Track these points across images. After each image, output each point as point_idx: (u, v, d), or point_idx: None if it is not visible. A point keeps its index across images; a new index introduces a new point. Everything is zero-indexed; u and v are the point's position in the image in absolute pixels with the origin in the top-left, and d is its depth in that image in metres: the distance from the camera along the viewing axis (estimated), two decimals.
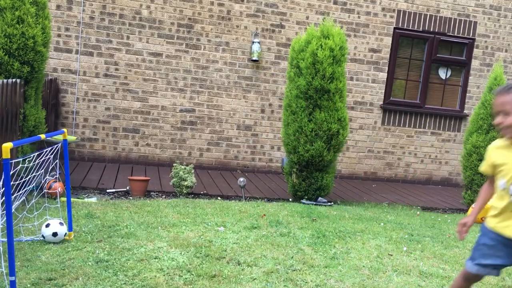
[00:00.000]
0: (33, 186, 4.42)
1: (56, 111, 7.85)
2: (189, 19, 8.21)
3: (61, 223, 3.98)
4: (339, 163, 8.77)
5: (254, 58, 8.31)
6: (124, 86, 8.10)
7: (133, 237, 4.14)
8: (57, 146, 4.16)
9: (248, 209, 5.51)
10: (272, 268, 3.64)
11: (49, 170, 4.64)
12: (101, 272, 3.32)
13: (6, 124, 5.01)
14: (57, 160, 4.27)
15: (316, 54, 6.14)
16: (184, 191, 6.24)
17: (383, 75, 8.92)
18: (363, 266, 3.91)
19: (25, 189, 3.92)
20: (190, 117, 8.38)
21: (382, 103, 8.98)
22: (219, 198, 6.50)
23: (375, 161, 9.09)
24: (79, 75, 7.96)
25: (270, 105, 8.61)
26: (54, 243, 3.90)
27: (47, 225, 3.95)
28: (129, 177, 6.50)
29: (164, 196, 6.34)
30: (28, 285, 3.06)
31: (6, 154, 2.86)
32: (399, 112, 9.08)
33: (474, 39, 9.13)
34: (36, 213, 4.37)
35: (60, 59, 7.88)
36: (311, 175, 6.34)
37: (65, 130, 4.18)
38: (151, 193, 6.39)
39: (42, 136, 3.67)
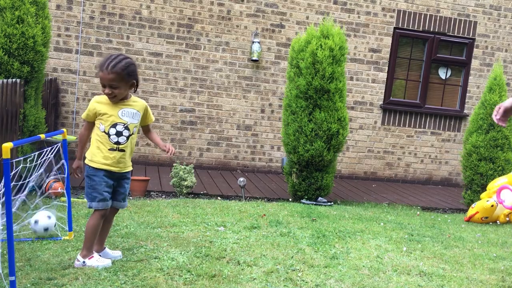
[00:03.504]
0: (33, 186, 4.42)
1: (56, 111, 7.85)
2: (189, 19, 8.21)
3: (49, 217, 4.01)
4: (339, 163, 8.77)
5: (254, 58, 8.31)
6: None
7: (133, 237, 4.14)
8: (57, 146, 4.16)
9: (248, 209, 5.51)
10: (272, 268, 3.64)
11: (49, 170, 4.64)
12: (101, 272, 3.32)
13: (6, 124, 5.01)
14: (56, 160, 4.26)
15: (316, 54, 6.14)
16: (184, 191, 6.24)
17: (383, 75, 8.92)
18: (363, 266, 3.90)
19: (24, 189, 3.92)
20: (190, 117, 8.38)
21: (382, 103, 8.98)
22: (219, 198, 6.50)
23: (375, 161, 9.09)
24: (79, 75, 7.96)
25: (270, 105, 8.61)
26: (49, 240, 3.91)
27: (36, 222, 3.99)
28: None
29: (164, 196, 6.34)
30: (28, 285, 3.06)
31: (6, 154, 2.86)
32: (399, 112, 9.08)
33: (474, 39, 9.13)
34: (36, 211, 4.37)
35: (60, 59, 7.89)
36: (311, 175, 6.34)
37: (64, 130, 4.18)
38: (151, 193, 6.39)
39: (42, 136, 3.67)
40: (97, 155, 3.46)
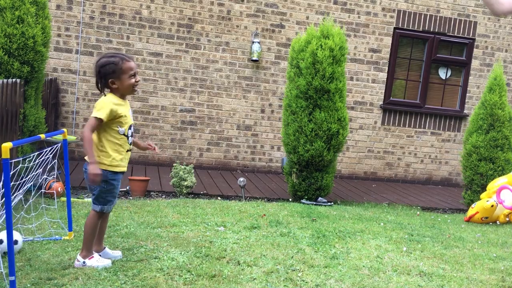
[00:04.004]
0: (33, 186, 4.42)
1: (56, 111, 7.85)
2: (189, 19, 8.21)
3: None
4: (339, 163, 8.77)
5: (254, 58, 8.31)
6: None
7: (133, 237, 4.14)
8: (57, 146, 4.16)
9: (248, 209, 5.51)
10: (272, 268, 3.64)
11: (49, 170, 4.64)
12: (101, 272, 3.32)
13: (6, 124, 5.01)
14: (56, 160, 4.26)
15: (316, 54, 6.14)
16: (184, 191, 6.24)
17: (383, 75, 8.92)
18: (363, 266, 3.90)
19: (24, 189, 3.92)
20: (190, 117, 8.38)
21: (382, 103, 8.98)
22: (219, 198, 6.50)
23: (375, 161, 9.08)
24: (79, 75, 7.96)
25: (270, 105, 8.61)
26: (49, 240, 3.91)
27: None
28: (129, 177, 6.50)
29: (164, 196, 6.34)
30: (28, 285, 3.06)
31: (5, 154, 2.86)
32: (399, 112, 9.08)
33: (474, 39, 9.12)
34: (34, 213, 4.37)
35: (60, 59, 7.88)
36: (311, 175, 6.34)
37: (65, 130, 4.18)
38: (151, 193, 6.39)
39: (42, 136, 3.67)
40: (117, 158, 3.39)
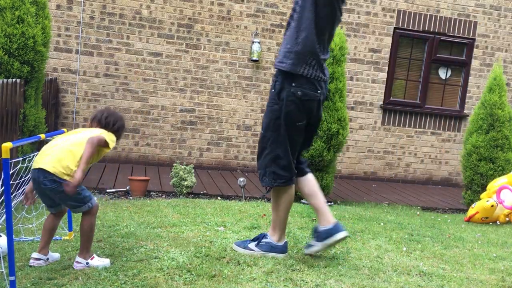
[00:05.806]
0: None
1: (56, 111, 7.85)
2: (189, 19, 8.21)
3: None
4: (339, 163, 8.76)
5: (254, 58, 8.31)
6: (124, 86, 8.10)
7: (133, 237, 4.14)
8: None
9: (248, 209, 5.51)
10: (272, 268, 3.64)
11: None
12: (101, 272, 3.32)
13: (6, 124, 5.01)
14: None
15: None
16: (184, 191, 6.24)
17: (383, 75, 8.92)
18: (363, 266, 3.90)
19: (24, 189, 3.91)
20: (190, 117, 8.38)
21: (382, 103, 8.98)
22: (219, 198, 6.50)
23: (375, 161, 9.08)
24: (79, 75, 7.96)
25: None
26: None
27: None
28: (129, 177, 6.50)
29: (164, 196, 6.34)
30: (28, 285, 3.06)
31: (5, 154, 2.86)
32: (399, 112, 9.07)
33: (474, 39, 9.13)
34: (35, 212, 4.38)
35: (60, 59, 7.89)
36: None
37: (65, 130, 4.18)
38: (151, 193, 6.39)
39: (42, 136, 3.67)
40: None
